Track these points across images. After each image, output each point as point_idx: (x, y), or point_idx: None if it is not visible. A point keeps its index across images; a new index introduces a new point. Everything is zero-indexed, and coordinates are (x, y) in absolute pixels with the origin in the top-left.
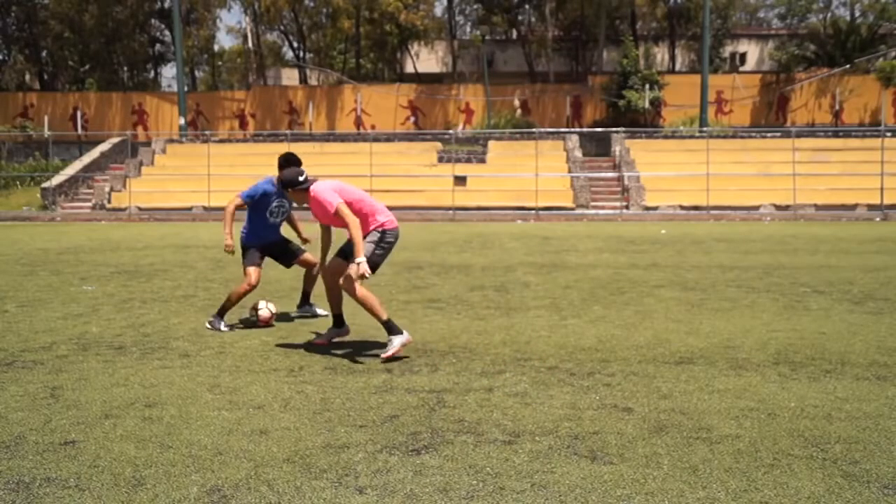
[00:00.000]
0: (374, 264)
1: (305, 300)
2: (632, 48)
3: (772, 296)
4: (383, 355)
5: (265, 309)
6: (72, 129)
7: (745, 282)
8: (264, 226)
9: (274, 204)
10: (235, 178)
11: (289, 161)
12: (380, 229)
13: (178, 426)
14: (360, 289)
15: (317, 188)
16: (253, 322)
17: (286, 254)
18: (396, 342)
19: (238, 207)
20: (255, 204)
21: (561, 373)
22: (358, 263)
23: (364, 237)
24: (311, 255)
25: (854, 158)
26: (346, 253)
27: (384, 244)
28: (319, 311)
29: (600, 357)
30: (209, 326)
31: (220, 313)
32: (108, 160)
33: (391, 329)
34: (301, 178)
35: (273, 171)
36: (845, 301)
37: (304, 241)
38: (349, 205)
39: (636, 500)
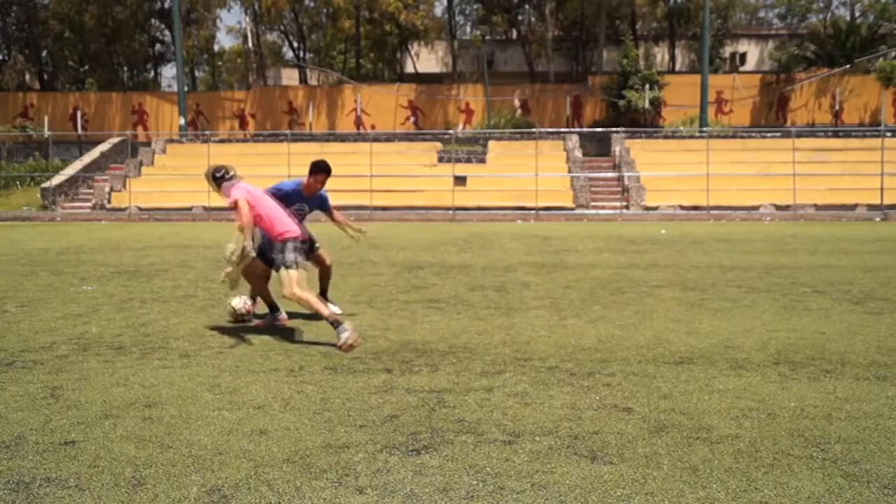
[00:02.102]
0: (298, 264)
1: (322, 297)
2: (632, 48)
3: (772, 296)
4: (340, 344)
5: (239, 303)
6: (72, 129)
7: (745, 282)
8: None
9: (295, 206)
10: None
11: (322, 167)
12: (283, 239)
13: (178, 426)
14: (298, 291)
15: (228, 188)
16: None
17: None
18: (345, 334)
19: None
20: (279, 202)
21: (561, 373)
22: (229, 252)
23: (276, 243)
24: (326, 252)
25: (854, 158)
26: (268, 257)
27: (296, 248)
28: (335, 308)
29: (600, 357)
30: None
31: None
32: (108, 160)
33: (336, 324)
34: (218, 175)
35: (275, 170)
36: (845, 301)
37: (358, 233)
38: (252, 207)
39: (636, 500)
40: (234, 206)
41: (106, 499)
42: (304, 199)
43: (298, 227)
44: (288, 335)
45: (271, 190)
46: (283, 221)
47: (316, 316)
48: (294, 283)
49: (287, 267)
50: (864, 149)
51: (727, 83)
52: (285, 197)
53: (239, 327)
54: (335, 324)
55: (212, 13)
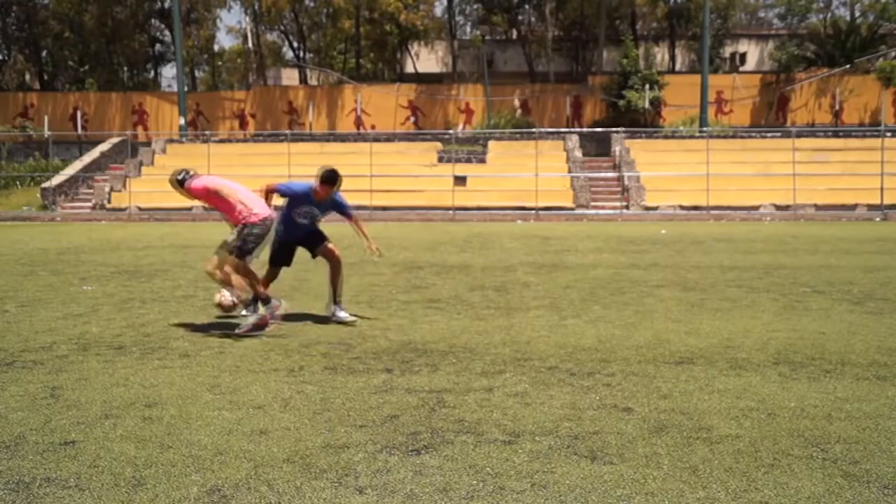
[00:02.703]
0: (243, 252)
1: (334, 303)
2: (632, 48)
3: (772, 296)
4: (243, 326)
5: (224, 297)
6: (72, 129)
7: (745, 282)
8: (293, 223)
9: (304, 208)
10: (235, 179)
11: (328, 177)
12: (241, 224)
13: (178, 426)
14: (219, 273)
15: (190, 183)
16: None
17: (313, 242)
18: (251, 319)
19: (270, 189)
20: (289, 201)
21: (561, 373)
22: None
23: (238, 226)
24: (335, 246)
25: (854, 158)
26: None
27: (249, 236)
28: (341, 314)
29: (600, 357)
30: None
31: (265, 301)
32: (108, 160)
33: (259, 302)
34: (180, 178)
35: (275, 170)
36: (845, 301)
37: (376, 251)
38: (216, 192)
39: (636, 500)
40: (208, 193)
41: (106, 499)
42: (314, 203)
43: (263, 205)
44: (288, 335)
45: (280, 187)
46: (248, 204)
47: (315, 316)
48: (219, 265)
49: (230, 253)
50: (864, 149)
51: (727, 83)
52: (294, 197)
53: (237, 326)
54: (252, 303)
55: (212, 13)
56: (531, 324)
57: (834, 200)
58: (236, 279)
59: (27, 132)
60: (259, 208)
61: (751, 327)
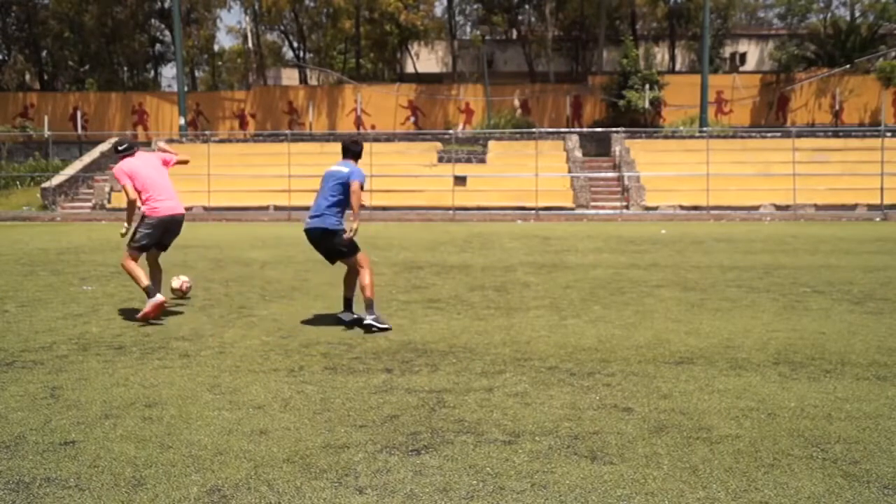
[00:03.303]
0: (138, 243)
1: (347, 305)
2: (632, 48)
3: (772, 296)
4: (139, 315)
5: (176, 280)
6: (72, 129)
7: (745, 282)
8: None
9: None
10: (235, 178)
11: (348, 147)
12: (144, 215)
13: (178, 426)
14: (129, 262)
15: (119, 164)
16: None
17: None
18: (149, 303)
19: (361, 189)
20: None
21: (561, 373)
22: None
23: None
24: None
25: (854, 158)
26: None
27: (151, 226)
28: (345, 319)
29: (600, 357)
30: (374, 329)
31: (370, 308)
32: (108, 160)
33: (149, 293)
34: (120, 148)
35: (275, 170)
36: (845, 301)
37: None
38: (132, 174)
39: (636, 500)
40: (123, 175)
41: (106, 499)
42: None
43: (169, 203)
44: (288, 335)
45: (363, 180)
46: (155, 197)
47: (315, 316)
48: (128, 257)
49: (131, 243)
50: (864, 149)
51: (727, 83)
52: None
53: (237, 327)
54: (148, 291)
55: (212, 13)
56: (531, 324)
57: (834, 200)
58: (132, 269)
59: (27, 132)
60: (165, 203)
61: (751, 327)
